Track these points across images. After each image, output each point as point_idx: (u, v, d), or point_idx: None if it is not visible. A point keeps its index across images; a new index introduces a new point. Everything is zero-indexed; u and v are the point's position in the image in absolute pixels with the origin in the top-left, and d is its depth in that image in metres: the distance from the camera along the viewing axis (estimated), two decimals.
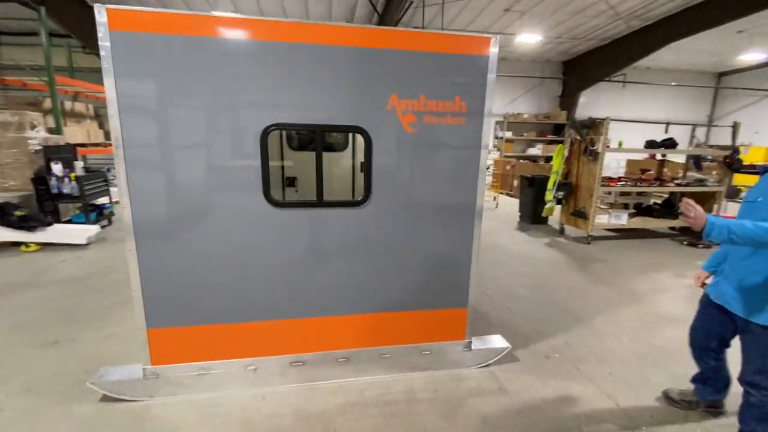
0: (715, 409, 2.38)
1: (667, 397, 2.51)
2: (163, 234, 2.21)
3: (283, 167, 3.93)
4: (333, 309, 2.55)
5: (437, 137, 2.42)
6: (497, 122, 13.88)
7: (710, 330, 2.18)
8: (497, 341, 2.94)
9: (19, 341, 3.03)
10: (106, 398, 2.37)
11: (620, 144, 7.35)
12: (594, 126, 5.95)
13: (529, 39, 11.31)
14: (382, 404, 2.42)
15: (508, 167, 11.39)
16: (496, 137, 13.89)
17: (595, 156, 5.85)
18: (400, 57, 2.25)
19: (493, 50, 2.33)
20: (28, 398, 2.41)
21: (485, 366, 2.84)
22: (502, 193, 11.07)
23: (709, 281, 2.24)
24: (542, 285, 4.52)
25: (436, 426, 2.27)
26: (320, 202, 2.38)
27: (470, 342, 2.81)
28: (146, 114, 2.07)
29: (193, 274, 2.29)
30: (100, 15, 1.89)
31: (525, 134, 14.26)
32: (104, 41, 1.92)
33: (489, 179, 9.81)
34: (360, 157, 3.27)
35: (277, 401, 2.42)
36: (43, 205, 5.78)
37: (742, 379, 2.01)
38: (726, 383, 2.30)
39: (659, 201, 7.10)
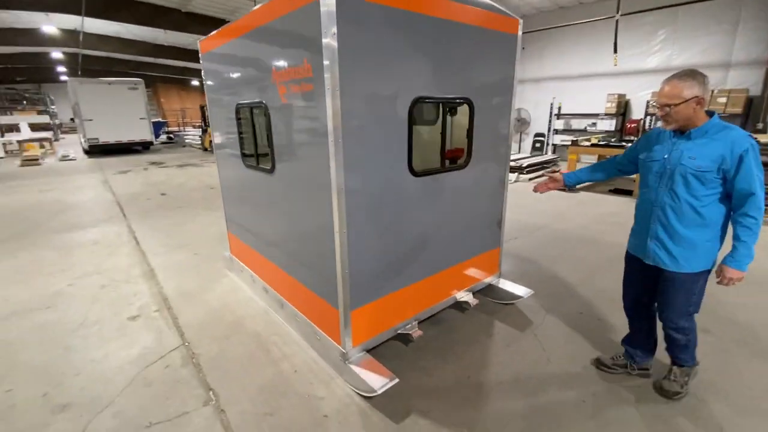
0: (645, 371, 2.46)
1: (600, 364, 2.55)
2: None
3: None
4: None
5: None
6: None
7: (640, 284, 2.31)
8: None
9: None
10: None
11: None
12: None
13: None
14: None
15: None
16: None
17: None
18: None
19: None
20: None
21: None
22: None
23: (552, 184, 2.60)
24: None
25: None
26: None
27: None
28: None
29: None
30: None
31: None
32: None
33: None
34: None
35: None
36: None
37: (670, 327, 2.20)
38: (654, 344, 2.46)
39: None
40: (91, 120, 13.42)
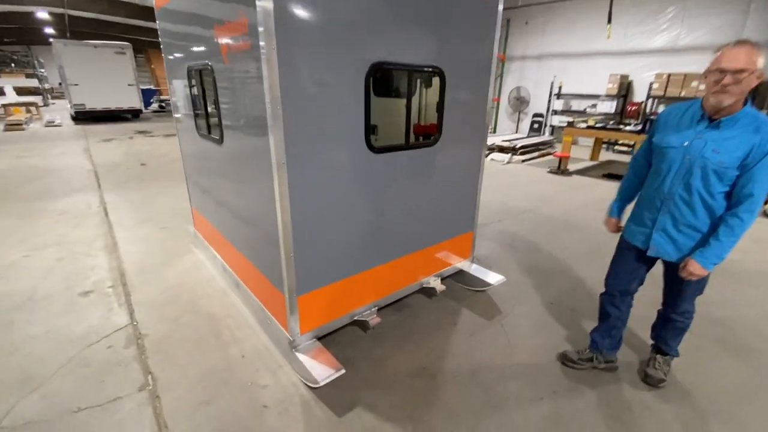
0: (611, 364, 2.38)
1: (566, 359, 2.42)
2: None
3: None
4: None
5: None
6: None
7: (633, 273, 2.17)
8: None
9: None
10: None
11: None
12: None
13: None
14: None
15: None
16: None
17: None
18: None
19: None
20: None
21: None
22: None
23: (621, 224, 2.27)
24: None
25: None
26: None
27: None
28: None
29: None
30: None
31: None
32: None
33: None
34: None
35: None
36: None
37: (674, 311, 2.16)
38: (622, 337, 2.37)
39: None
40: (76, 85, 12.96)
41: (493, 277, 3.12)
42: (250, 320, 2.80)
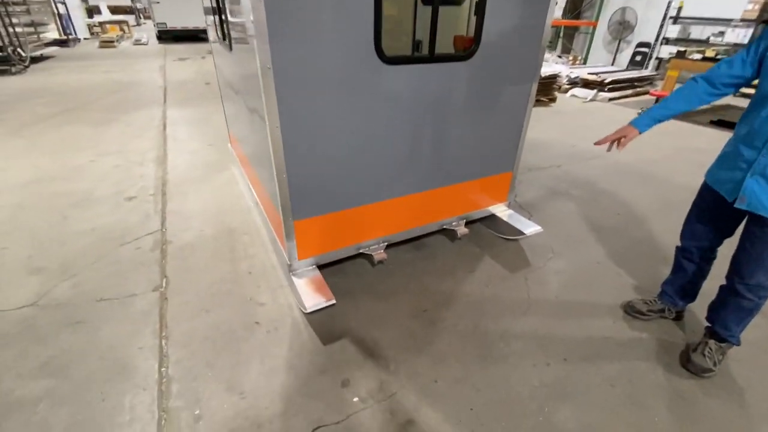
0: (680, 314, 2.19)
1: (632, 309, 2.21)
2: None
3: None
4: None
5: None
6: None
7: (713, 230, 1.84)
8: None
9: None
10: None
11: None
12: None
13: None
14: None
15: None
16: None
17: None
18: None
19: None
20: None
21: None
22: None
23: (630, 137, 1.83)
24: None
25: None
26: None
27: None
28: None
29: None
30: None
31: None
32: None
33: None
34: None
35: None
36: None
37: (743, 283, 1.71)
38: (699, 290, 2.09)
39: None
40: (158, 2, 13.39)
41: (528, 226, 2.75)
42: (264, 239, 2.82)
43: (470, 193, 2.67)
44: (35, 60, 9.76)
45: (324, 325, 2.09)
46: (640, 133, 1.81)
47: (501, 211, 2.91)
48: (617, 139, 1.84)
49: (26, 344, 1.94)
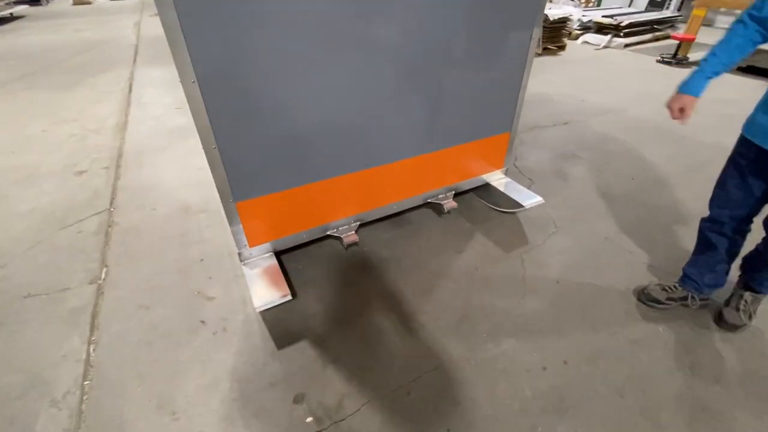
0: (705, 302, 1.82)
1: (647, 298, 1.86)
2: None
3: None
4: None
5: None
6: None
7: (753, 190, 1.49)
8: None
9: None
10: None
11: None
12: None
13: None
14: None
15: None
16: None
17: None
18: None
19: None
20: None
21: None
22: None
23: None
24: None
25: None
26: None
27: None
28: None
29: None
30: None
31: None
32: None
33: None
34: None
35: None
36: None
37: None
38: (727, 273, 1.75)
39: None
40: None
41: (526, 197, 2.36)
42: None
43: (460, 159, 2.26)
44: (2, 21, 9.06)
45: (281, 324, 1.78)
46: (697, 98, 1.45)
47: (497, 179, 2.50)
48: (678, 115, 1.50)
49: None
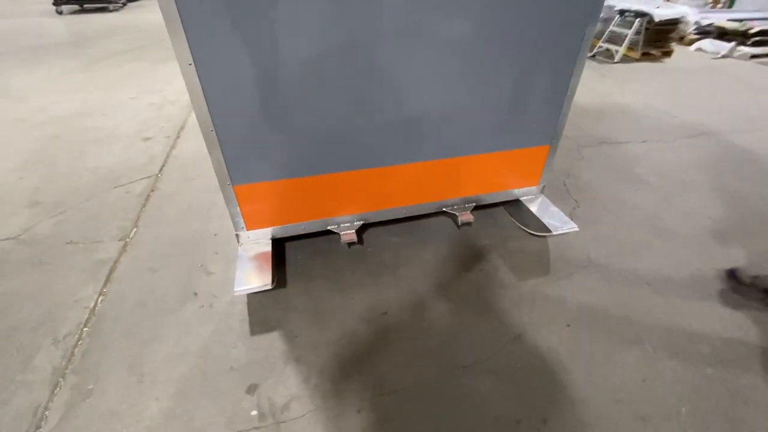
0: None
1: (736, 279, 1.88)
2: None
3: None
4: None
5: None
6: None
7: None
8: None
9: None
10: None
11: None
12: None
13: None
14: None
15: None
16: None
17: None
18: None
19: None
20: None
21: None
22: None
23: None
24: None
25: None
26: None
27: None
28: None
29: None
30: None
31: None
32: None
33: None
34: None
35: None
36: None
37: None
38: None
39: None
40: None
41: (559, 222, 2.08)
42: None
43: (483, 169, 2.06)
44: None
45: (262, 310, 1.80)
46: None
47: (529, 195, 2.24)
48: None
49: None
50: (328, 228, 2.00)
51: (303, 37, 1.44)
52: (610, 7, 5.66)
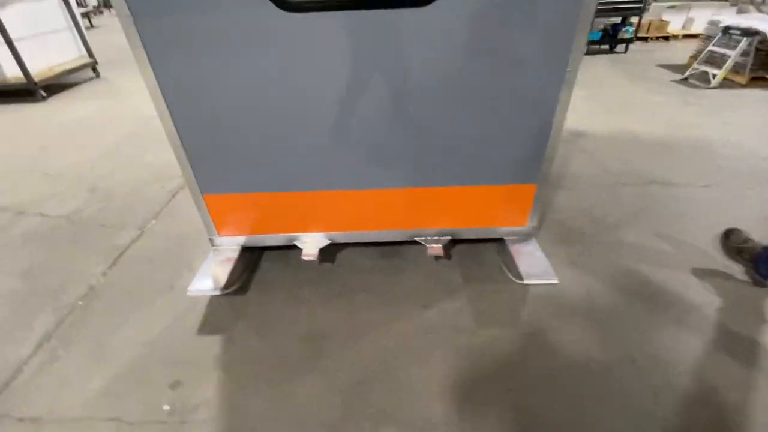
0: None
1: (728, 241, 2.04)
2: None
3: None
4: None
5: None
6: None
7: None
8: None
9: None
10: None
11: None
12: None
13: None
14: None
15: None
16: None
17: None
18: None
19: None
20: None
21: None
22: None
23: None
24: None
25: None
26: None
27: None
28: None
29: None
30: None
31: None
32: None
33: None
34: None
35: None
36: None
37: None
38: None
39: None
40: None
41: (536, 270, 1.87)
42: None
43: (461, 203, 1.94)
44: None
45: (218, 312, 1.92)
46: None
47: (514, 237, 2.04)
48: None
49: (33, 248, 2.42)
50: (295, 243, 2.06)
51: (269, 57, 1.50)
52: (715, 23, 4.85)
